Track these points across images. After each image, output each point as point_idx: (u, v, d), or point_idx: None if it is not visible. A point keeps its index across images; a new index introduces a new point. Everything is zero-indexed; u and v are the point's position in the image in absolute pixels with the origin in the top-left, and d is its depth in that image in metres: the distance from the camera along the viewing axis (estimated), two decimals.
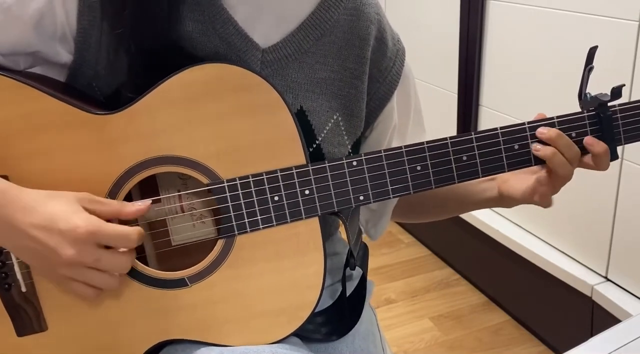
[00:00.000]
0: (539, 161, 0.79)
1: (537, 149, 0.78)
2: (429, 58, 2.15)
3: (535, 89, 1.73)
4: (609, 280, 1.63)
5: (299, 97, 0.81)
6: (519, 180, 0.85)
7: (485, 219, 1.99)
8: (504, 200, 0.88)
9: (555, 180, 0.80)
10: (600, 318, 1.62)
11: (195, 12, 0.77)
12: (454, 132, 2.09)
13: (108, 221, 0.70)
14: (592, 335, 0.86)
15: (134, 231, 0.70)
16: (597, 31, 1.48)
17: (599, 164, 0.79)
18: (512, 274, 1.95)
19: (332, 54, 0.82)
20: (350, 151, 0.86)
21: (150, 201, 0.74)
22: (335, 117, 0.83)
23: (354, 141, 0.86)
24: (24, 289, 0.74)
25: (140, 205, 0.72)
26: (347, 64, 0.83)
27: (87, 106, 0.73)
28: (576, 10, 1.53)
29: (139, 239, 0.71)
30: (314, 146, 0.82)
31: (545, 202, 0.83)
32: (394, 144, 0.92)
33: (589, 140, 0.78)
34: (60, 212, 0.68)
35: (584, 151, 0.79)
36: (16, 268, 0.74)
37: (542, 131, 0.78)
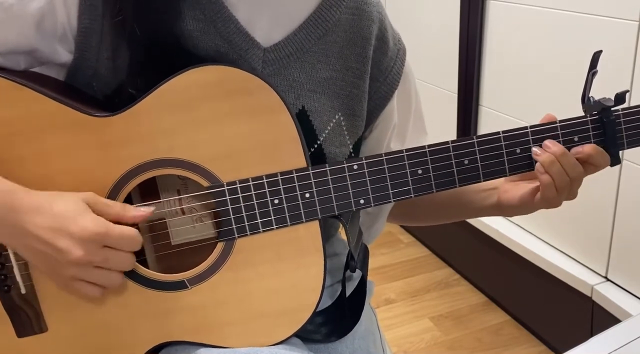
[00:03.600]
0: None
1: (537, 153, 0.77)
2: (429, 58, 2.15)
3: (535, 89, 1.73)
4: (609, 280, 1.63)
5: (301, 97, 0.81)
6: (519, 188, 0.84)
7: (485, 219, 1.99)
8: (503, 208, 0.87)
9: (550, 188, 0.78)
10: (600, 318, 1.62)
11: (196, 10, 0.77)
12: (453, 133, 2.09)
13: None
14: (592, 335, 0.86)
15: (137, 232, 0.71)
16: (597, 31, 1.48)
17: (598, 163, 0.78)
18: (512, 274, 1.95)
19: (334, 54, 0.82)
20: (352, 151, 0.86)
21: (154, 208, 0.74)
22: (337, 117, 0.83)
23: (355, 141, 0.86)
24: (23, 291, 0.74)
25: (143, 211, 0.73)
26: (349, 64, 0.83)
27: (87, 108, 0.73)
28: (576, 10, 1.53)
29: (141, 241, 0.72)
30: (316, 146, 0.82)
31: (550, 200, 0.80)
32: (393, 145, 0.91)
33: (573, 150, 0.77)
34: (68, 212, 0.68)
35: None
36: (15, 270, 0.74)
37: (548, 145, 0.77)
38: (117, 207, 0.72)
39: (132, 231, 0.70)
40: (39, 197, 0.69)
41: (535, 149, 0.77)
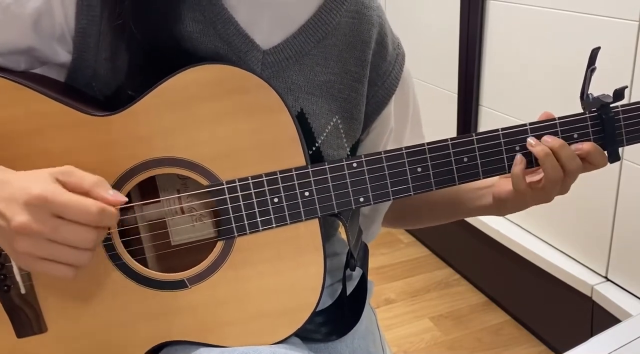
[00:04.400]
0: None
1: (532, 144, 0.77)
2: (429, 58, 2.15)
3: (535, 89, 1.73)
4: (609, 280, 1.63)
5: (299, 100, 0.81)
6: (509, 181, 0.82)
7: (486, 219, 1.99)
8: (495, 205, 0.86)
9: (547, 183, 0.78)
10: (600, 318, 1.62)
11: (195, 12, 0.77)
12: (453, 133, 2.09)
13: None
14: (592, 335, 0.86)
15: (94, 203, 0.64)
16: (597, 31, 1.48)
17: (596, 162, 0.78)
18: (512, 274, 1.95)
19: (333, 57, 0.82)
20: (349, 154, 0.86)
21: (125, 198, 0.68)
22: (334, 120, 0.83)
23: (353, 144, 0.86)
24: (23, 291, 0.74)
25: (112, 195, 0.66)
26: (348, 67, 0.83)
27: (86, 107, 0.73)
28: (576, 10, 1.53)
29: (100, 215, 0.64)
30: (314, 148, 0.82)
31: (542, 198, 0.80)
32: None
33: (573, 146, 0.77)
34: (24, 179, 0.64)
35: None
36: (15, 270, 0.74)
37: (547, 139, 0.76)
38: (89, 178, 0.66)
39: (86, 200, 0.63)
40: (9, 174, 0.66)
41: (530, 140, 0.77)
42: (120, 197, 0.67)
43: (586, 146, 0.77)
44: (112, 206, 0.66)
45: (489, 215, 0.90)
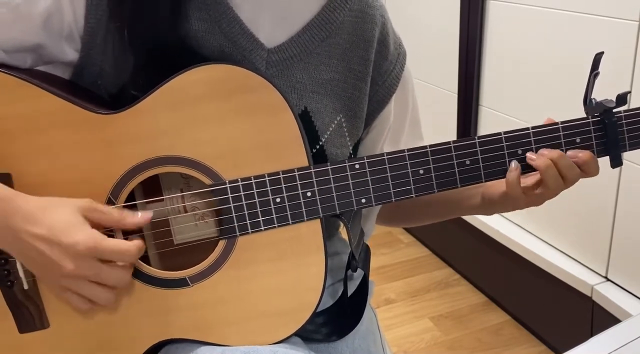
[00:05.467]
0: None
1: (532, 158, 0.77)
2: (429, 58, 2.16)
3: (535, 89, 1.73)
4: (609, 280, 1.63)
5: (304, 98, 0.81)
6: (501, 184, 0.82)
7: (485, 219, 1.99)
8: (485, 205, 0.86)
9: (546, 191, 0.78)
10: (600, 318, 1.62)
11: (201, 11, 0.77)
12: (453, 133, 2.09)
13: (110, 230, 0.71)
14: (592, 335, 0.86)
15: (133, 245, 0.70)
16: (597, 31, 1.48)
17: (590, 172, 0.79)
18: (512, 274, 1.95)
19: (336, 56, 0.82)
20: (351, 152, 0.86)
21: (152, 214, 0.74)
22: (338, 118, 0.83)
23: (355, 143, 0.86)
24: (26, 286, 0.75)
25: (141, 217, 0.73)
26: (351, 66, 0.83)
27: (91, 105, 0.73)
28: (576, 10, 1.53)
29: (139, 253, 0.71)
30: (317, 147, 0.82)
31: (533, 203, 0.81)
32: (386, 148, 0.91)
33: (571, 154, 0.77)
34: (62, 223, 0.68)
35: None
36: (18, 266, 0.74)
37: (544, 152, 0.77)
38: (115, 214, 0.72)
39: (126, 243, 0.70)
40: (36, 205, 0.70)
41: (529, 154, 0.77)
42: (149, 215, 0.73)
43: (584, 156, 0.77)
44: (145, 222, 0.73)
45: (476, 214, 0.90)
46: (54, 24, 0.75)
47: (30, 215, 0.69)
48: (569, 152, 0.77)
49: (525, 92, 1.78)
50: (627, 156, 1.48)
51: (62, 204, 0.70)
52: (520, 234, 1.89)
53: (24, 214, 0.69)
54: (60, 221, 0.69)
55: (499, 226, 1.95)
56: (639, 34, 1.39)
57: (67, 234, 0.68)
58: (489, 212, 0.88)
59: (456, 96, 2.05)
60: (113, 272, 0.71)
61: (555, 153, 0.77)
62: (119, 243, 0.70)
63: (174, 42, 0.76)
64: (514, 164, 0.78)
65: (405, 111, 0.93)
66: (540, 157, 0.77)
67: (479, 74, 1.94)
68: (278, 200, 0.75)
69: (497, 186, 0.82)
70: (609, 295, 1.58)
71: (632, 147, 0.79)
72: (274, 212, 0.75)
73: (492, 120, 1.94)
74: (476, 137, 0.77)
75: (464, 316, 2.06)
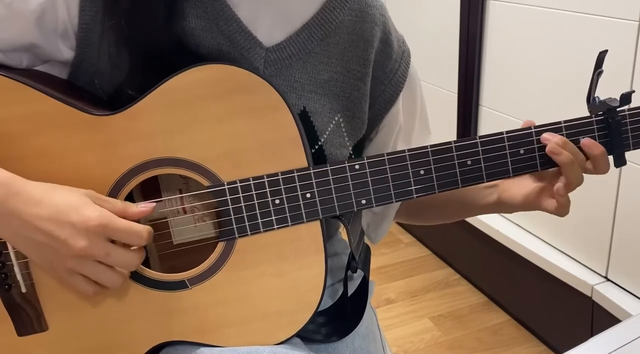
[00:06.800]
0: (545, 166, 0.77)
1: (547, 138, 0.76)
2: (429, 58, 2.15)
3: (535, 89, 1.73)
4: (609, 280, 1.63)
5: (302, 98, 0.81)
6: (519, 186, 0.83)
7: (486, 219, 1.99)
8: (504, 206, 0.86)
9: (569, 187, 0.78)
10: (600, 318, 1.62)
11: (198, 9, 0.77)
12: (453, 133, 2.09)
13: None
14: (592, 335, 0.86)
15: (144, 228, 0.70)
16: (597, 31, 1.48)
17: (598, 168, 0.78)
18: (512, 274, 1.95)
19: (335, 55, 0.82)
20: (352, 152, 0.86)
21: (154, 204, 0.73)
22: (336, 118, 0.83)
23: (355, 143, 0.86)
24: (24, 289, 0.74)
25: (143, 207, 0.72)
26: (350, 66, 0.83)
27: (88, 107, 0.73)
28: (576, 10, 1.53)
29: (149, 238, 0.71)
30: (317, 147, 0.82)
31: (563, 211, 0.79)
32: (399, 147, 0.91)
33: (586, 142, 0.77)
34: (70, 203, 0.68)
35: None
36: (16, 269, 0.74)
37: (547, 137, 0.76)
38: (119, 203, 0.71)
39: (138, 225, 0.70)
40: (38, 188, 0.69)
41: (545, 135, 0.76)
42: (151, 205, 0.73)
43: (596, 150, 0.76)
44: (148, 212, 0.72)
45: (495, 213, 0.90)
46: (48, 21, 0.75)
47: (33, 197, 0.68)
48: (584, 141, 0.77)
49: (525, 92, 1.78)
50: (627, 156, 1.49)
51: (65, 188, 0.70)
52: (520, 234, 1.89)
53: (25, 197, 0.67)
54: (66, 201, 0.68)
55: (499, 226, 1.95)
56: (639, 34, 1.39)
57: (78, 212, 0.67)
58: (498, 212, 0.88)
59: (456, 96, 2.05)
60: (124, 253, 0.70)
61: (559, 139, 0.75)
62: (131, 223, 0.69)
63: (170, 39, 0.75)
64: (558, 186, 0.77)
65: (414, 107, 0.92)
66: (561, 154, 0.75)
67: (479, 74, 1.94)
68: (277, 201, 0.74)
69: (516, 188, 0.82)
70: (609, 295, 1.58)
71: (636, 146, 0.79)
72: (273, 214, 0.75)
73: (492, 120, 1.94)
74: (477, 137, 0.77)
75: (464, 316, 2.06)
